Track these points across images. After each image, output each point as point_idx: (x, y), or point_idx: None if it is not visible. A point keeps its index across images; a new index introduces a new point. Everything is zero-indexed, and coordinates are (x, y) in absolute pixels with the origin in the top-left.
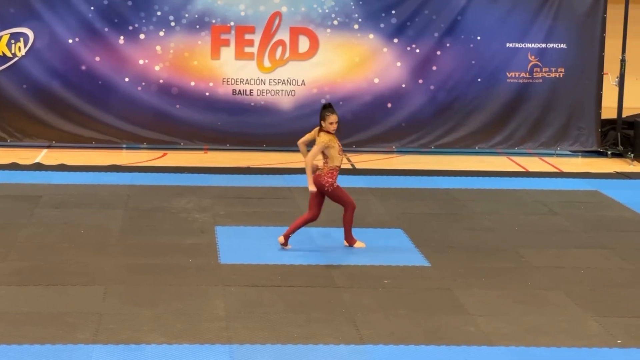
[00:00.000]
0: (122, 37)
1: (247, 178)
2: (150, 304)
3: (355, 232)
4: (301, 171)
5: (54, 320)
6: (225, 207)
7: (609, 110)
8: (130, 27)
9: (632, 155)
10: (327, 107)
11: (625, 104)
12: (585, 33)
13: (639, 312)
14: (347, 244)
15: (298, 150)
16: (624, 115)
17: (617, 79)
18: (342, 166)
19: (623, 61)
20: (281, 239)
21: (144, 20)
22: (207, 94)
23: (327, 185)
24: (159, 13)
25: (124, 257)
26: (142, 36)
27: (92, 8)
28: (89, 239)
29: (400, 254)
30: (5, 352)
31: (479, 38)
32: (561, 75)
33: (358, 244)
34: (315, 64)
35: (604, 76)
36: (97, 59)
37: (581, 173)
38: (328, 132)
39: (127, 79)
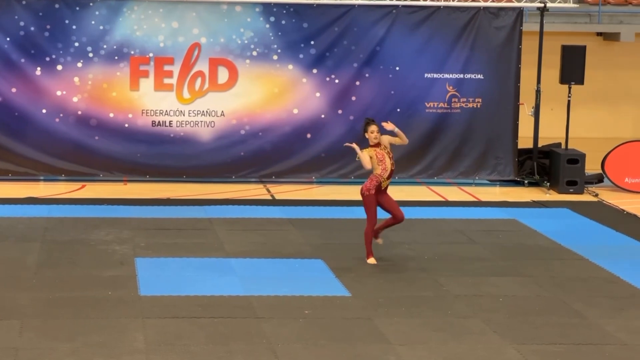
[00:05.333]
0: (39, 68)
1: (166, 209)
2: (68, 337)
3: (275, 262)
4: (220, 202)
5: None
6: (145, 239)
7: (525, 140)
8: (48, 58)
9: (548, 184)
10: (368, 120)
11: (540, 134)
12: (502, 64)
13: (557, 339)
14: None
15: (218, 181)
16: (539, 145)
17: (532, 109)
18: (261, 197)
19: (538, 92)
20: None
21: (61, 52)
22: (126, 125)
23: (362, 189)
24: (76, 44)
25: (41, 290)
26: (59, 67)
27: (7, 39)
28: (4, 272)
29: (321, 284)
30: None
31: (397, 68)
32: (479, 106)
33: (371, 260)
34: (234, 94)
35: (520, 106)
36: (14, 90)
37: (499, 202)
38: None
39: (44, 110)
